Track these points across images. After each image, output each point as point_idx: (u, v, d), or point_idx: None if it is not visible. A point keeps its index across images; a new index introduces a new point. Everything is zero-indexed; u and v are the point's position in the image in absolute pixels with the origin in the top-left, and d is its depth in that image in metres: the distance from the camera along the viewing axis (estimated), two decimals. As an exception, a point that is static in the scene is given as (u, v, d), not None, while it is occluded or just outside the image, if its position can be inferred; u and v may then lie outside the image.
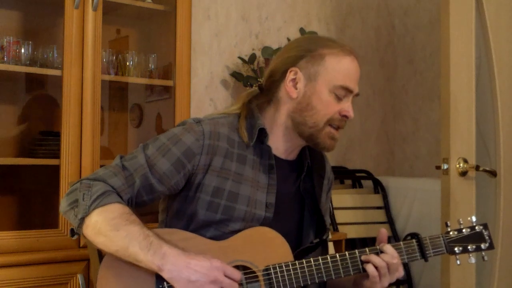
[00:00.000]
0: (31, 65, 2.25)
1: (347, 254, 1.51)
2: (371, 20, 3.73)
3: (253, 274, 1.45)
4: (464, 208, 2.43)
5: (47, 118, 2.48)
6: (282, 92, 1.56)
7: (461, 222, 1.63)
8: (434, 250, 1.58)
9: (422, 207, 3.20)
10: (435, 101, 3.52)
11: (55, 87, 2.28)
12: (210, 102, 3.03)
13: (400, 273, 1.53)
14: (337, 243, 2.94)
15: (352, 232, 3.17)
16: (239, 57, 3.03)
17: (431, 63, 3.58)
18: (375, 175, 3.51)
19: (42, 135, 2.35)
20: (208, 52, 3.04)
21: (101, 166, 2.16)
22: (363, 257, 1.51)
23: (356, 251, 1.52)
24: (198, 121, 1.53)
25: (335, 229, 3.11)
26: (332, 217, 3.13)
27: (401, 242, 1.56)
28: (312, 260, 1.47)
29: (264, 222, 1.52)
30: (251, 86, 2.82)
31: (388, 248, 1.52)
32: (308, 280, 1.46)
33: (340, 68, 1.52)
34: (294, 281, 1.45)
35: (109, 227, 1.36)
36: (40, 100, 2.50)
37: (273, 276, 1.45)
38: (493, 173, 2.55)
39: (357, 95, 1.56)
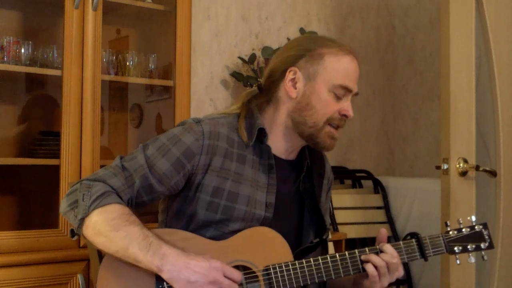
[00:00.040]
0: (31, 65, 2.26)
1: (346, 254, 1.51)
2: (371, 20, 3.73)
3: (253, 274, 1.45)
4: (464, 208, 2.43)
5: (47, 118, 2.48)
6: (282, 92, 1.56)
7: (461, 222, 1.63)
8: (433, 250, 1.58)
9: (422, 207, 3.20)
10: (435, 101, 3.52)
11: (55, 87, 2.28)
12: (210, 102, 3.03)
13: (400, 272, 1.53)
14: (337, 243, 2.94)
15: (352, 232, 3.17)
16: (239, 57, 3.03)
17: (431, 63, 3.58)
18: (375, 175, 3.51)
19: (42, 135, 2.35)
20: (208, 52, 3.04)
21: (101, 166, 2.16)
22: (362, 257, 1.51)
23: (356, 250, 1.52)
24: (197, 121, 1.53)
25: (335, 229, 3.11)
26: (332, 217, 3.13)
27: (401, 242, 1.57)
28: (312, 260, 1.47)
29: (264, 222, 1.52)
30: (251, 86, 2.82)
31: (388, 247, 1.52)
32: (308, 280, 1.46)
33: (339, 68, 1.52)
34: (294, 281, 1.45)
35: (109, 228, 1.36)
36: (40, 100, 2.50)
37: (273, 276, 1.45)
38: (493, 173, 2.55)
39: (356, 94, 1.56)
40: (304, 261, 1.47)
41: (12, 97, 2.45)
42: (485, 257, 1.63)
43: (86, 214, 1.38)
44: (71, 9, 2.18)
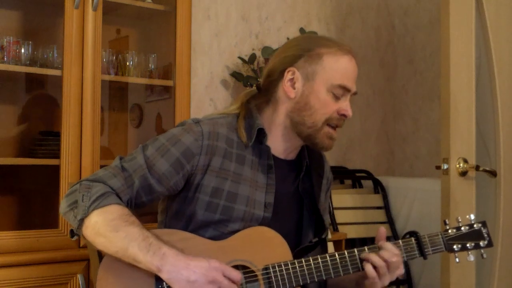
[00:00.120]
0: (31, 65, 2.26)
1: (346, 253, 1.51)
2: (371, 20, 3.73)
3: (252, 274, 1.45)
4: (464, 208, 2.43)
5: (47, 118, 2.48)
6: (280, 92, 1.56)
7: (460, 220, 1.63)
8: (433, 248, 1.58)
9: (422, 207, 3.20)
10: (435, 101, 3.52)
11: (55, 87, 2.28)
12: (210, 102, 3.03)
13: (401, 270, 1.52)
14: (337, 243, 2.94)
15: (352, 232, 3.17)
16: (239, 57, 3.03)
17: (431, 63, 3.58)
18: (375, 175, 3.51)
19: (42, 135, 2.35)
20: (208, 52, 3.04)
21: (101, 166, 2.16)
22: (362, 256, 1.51)
23: (355, 249, 1.52)
24: (197, 122, 1.53)
25: (335, 229, 3.11)
26: (332, 217, 3.13)
27: (400, 241, 1.57)
28: (311, 259, 1.48)
29: (263, 222, 1.52)
30: (251, 86, 2.82)
31: (388, 245, 1.51)
32: (308, 279, 1.47)
33: (338, 67, 1.52)
34: (293, 280, 1.45)
35: (109, 228, 1.36)
36: (40, 100, 2.50)
37: (272, 275, 1.45)
38: (493, 173, 2.55)
39: (355, 94, 1.56)
40: (303, 260, 1.47)
41: (12, 97, 2.45)
42: (484, 255, 1.63)
43: (86, 214, 1.38)
44: (71, 9, 2.19)
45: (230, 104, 1.68)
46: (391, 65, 3.81)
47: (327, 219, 1.68)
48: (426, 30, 3.62)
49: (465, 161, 2.46)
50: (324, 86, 1.52)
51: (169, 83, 2.53)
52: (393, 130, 3.82)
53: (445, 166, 2.44)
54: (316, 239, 1.59)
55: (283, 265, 1.46)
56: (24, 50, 2.24)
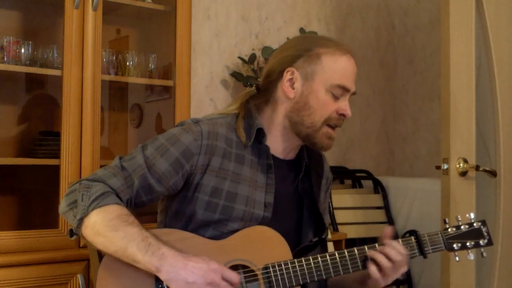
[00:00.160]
0: (31, 65, 2.26)
1: (346, 252, 1.51)
2: (371, 20, 3.73)
3: (252, 273, 1.45)
4: (464, 208, 2.43)
5: (47, 118, 2.48)
6: (280, 92, 1.56)
7: (459, 219, 1.63)
8: (432, 247, 1.58)
9: (422, 207, 3.20)
10: (435, 101, 3.52)
11: (55, 87, 2.28)
12: (210, 102, 3.03)
13: (405, 268, 1.53)
14: (337, 243, 2.94)
15: (352, 232, 3.17)
16: (239, 57, 3.03)
17: (431, 63, 3.58)
18: (375, 175, 3.51)
19: (42, 135, 2.35)
20: (208, 52, 3.04)
21: (101, 166, 2.16)
22: (368, 254, 1.50)
23: (355, 248, 1.52)
24: (196, 122, 1.53)
25: (335, 229, 3.11)
26: (332, 217, 3.13)
27: (400, 240, 1.57)
28: (311, 259, 1.48)
29: (262, 222, 1.52)
30: (251, 86, 2.81)
31: (395, 244, 1.51)
32: (307, 279, 1.47)
33: (336, 67, 1.52)
34: (293, 279, 1.46)
35: (108, 228, 1.36)
36: (40, 100, 2.50)
37: (272, 274, 1.45)
38: (493, 173, 2.55)
39: (354, 93, 1.57)
40: (303, 259, 1.47)
41: (12, 97, 2.45)
42: (484, 254, 1.63)
43: (85, 214, 1.38)
44: (71, 9, 2.19)
45: (229, 104, 1.68)
46: (391, 65, 3.81)
47: (327, 219, 1.68)
48: (426, 30, 3.62)
49: (465, 161, 2.46)
50: (323, 86, 1.52)
51: (169, 83, 2.53)
52: (393, 130, 3.82)
53: (445, 166, 2.44)
54: (316, 238, 1.59)
55: (283, 265, 1.46)
56: (24, 50, 2.24)
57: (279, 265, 1.46)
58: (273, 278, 1.45)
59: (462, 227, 1.62)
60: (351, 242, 3.23)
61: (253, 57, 2.96)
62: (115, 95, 2.65)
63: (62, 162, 2.17)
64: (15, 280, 2.02)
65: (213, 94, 3.04)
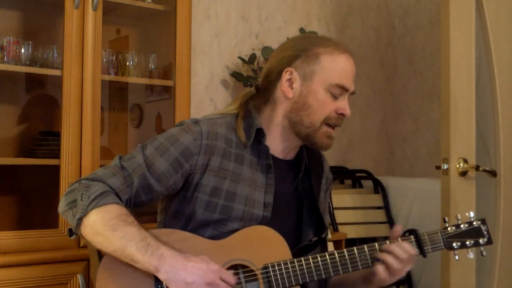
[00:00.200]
0: (31, 65, 2.26)
1: (345, 251, 1.51)
2: (371, 20, 3.73)
3: (252, 273, 1.45)
4: (464, 208, 2.43)
5: (47, 118, 2.48)
6: (279, 92, 1.56)
7: (459, 218, 1.63)
8: (432, 246, 1.57)
9: (422, 207, 3.20)
10: (435, 101, 3.52)
11: (55, 87, 2.28)
12: (210, 102, 3.03)
13: (410, 267, 1.54)
14: (337, 243, 2.94)
15: (352, 232, 3.17)
16: (239, 57, 3.03)
17: (431, 63, 3.58)
18: (375, 175, 3.51)
19: (42, 135, 2.35)
20: (208, 52, 3.04)
21: (101, 166, 2.16)
22: (378, 255, 1.50)
23: (355, 248, 1.52)
24: (196, 121, 1.53)
25: (335, 229, 3.11)
26: (332, 217, 3.13)
27: (399, 239, 1.57)
28: (310, 258, 1.48)
29: (262, 222, 1.52)
30: (251, 86, 2.81)
31: (404, 244, 1.52)
32: (307, 278, 1.47)
33: (335, 67, 1.52)
34: (292, 279, 1.46)
35: (107, 228, 1.36)
36: (40, 100, 2.50)
37: (271, 274, 1.45)
38: (493, 173, 2.55)
39: (353, 93, 1.57)
40: (303, 259, 1.47)
41: (12, 97, 2.45)
42: (484, 253, 1.63)
43: (84, 213, 1.38)
44: (71, 9, 2.19)
45: (228, 104, 1.68)
46: (391, 65, 3.81)
47: (327, 219, 1.68)
48: (426, 30, 3.62)
49: (465, 161, 2.46)
50: (322, 86, 1.52)
51: (169, 83, 2.53)
52: (393, 130, 3.82)
53: (445, 166, 2.44)
54: (316, 238, 1.59)
55: (282, 264, 1.46)
56: (24, 50, 2.24)
57: (279, 265, 1.46)
58: (273, 278, 1.45)
59: (461, 226, 1.61)
60: (351, 242, 3.23)
61: (253, 57, 2.96)
62: (115, 95, 2.65)
63: (62, 162, 2.17)
64: (15, 280, 2.02)
65: (213, 94, 3.04)
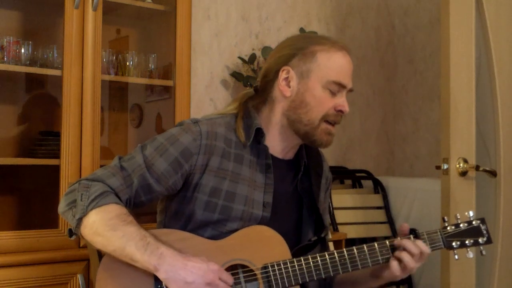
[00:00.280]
0: (31, 65, 2.26)
1: (345, 251, 1.51)
2: (371, 20, 3.73)
3: (252, 273, 1.45)
4: (464, 208, 2.42)
5: (47, 118, 2.48)
6: (276, 92, 1.57)
7: (458, 217, 1.63)
8: (432, 245, 1.57)
9: (422, 207, 3.20)
10: (435, 101, 3.52)
11: (55, 87, 2.28)
12: (210, 102, 3.03)
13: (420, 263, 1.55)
14: (337, 243, 2.94)
15: (352, 232, 3.17)
16: (239, 57, 3.03)
17: (431, 63, 3.58)
18: (375, 175, 3.51)
19: (42, 135, 2.35)
20: (208, 52, 3.04)
21: (101, 166, 2.16)
22: (396, 254, 1.51)
23: (354, 247, 1.52)
24: (195, 122, 1.53)
25: (335, 229, 3.11)
26: (332, 217, 3.13)
27: (399, 238, 1.57)
28: (310, 258, 1.48)
29: (261, 222, 1.52)
30: (251, 86, 2.82)
31: (419, 242, 1.52)
32: (307, 278, 1.47)
33: (331, 64, 1.53)
34: (292, 279, 1.46)
35: (107, 227, 1.36)
36: (40, 100, 2.50)
37: (271, 274, 1.45)
38: (493, 173, 2.55)
39: (350, 90, 1.57)
40: (302, 259, 1.47)
41: (12, 97, 2.45)
42: (484, 252, 1.63)
43: (84, 213, 1.38)
44: (71, 9, 2.19)
45: (227, 104, 1.68)
46: (391, 65, 3.81)
47: (327, 219, 1.68)
48: (426, 30, 3.62)
49: (465, 161, 2.46)
50: (319, 83, 1.52)
51: (169, 83, 2.53)
52: (393, 130, 3.82)
53: (445, 166, 2.44)
54: (315, 237, 1.59)
55: (282, 264, 1.46)
56: (24, 50, 2.24)
57: (278, 265, 1.46)
58: (272, 278, 1.45)
59: (461, 225, 1.61)
60: (351, 242, 3.23)
61: (253, 57, 2.96)
62: (115, 95, 2.65)
63: (62, 162, 2.17)
64: (15, 280, 2.02)
65: (213, 94, 3.04)
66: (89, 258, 1.96)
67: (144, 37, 2.74)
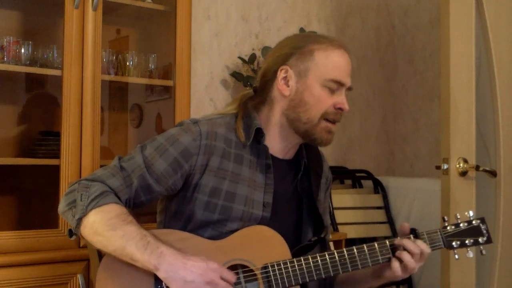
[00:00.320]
0: (31, 65, 2.26)
1: (345, 251, 1.51)
2: (371, 20, 3.73)
3: (252, 273, 1.45)
4: (464, 208, 2.42)
5: (47, 118, 2.48)
6: (275, 91, 1.57)
7: (458, 217, 1.63)
8: (432, 245, 1.57)
9: (422, 207, 3.20)
10: (435, 101, 3.52)
11: (55, 87, 2.28)
12: (210, 102, 3.03)
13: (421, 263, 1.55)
14: (337, 243, 2.94)
15: (352, 232, 3.17)
16: (239, 57, 3.03)
17: (431, 63, 3.58)
18: (375, 175, 3.51)
19: (42, 135, 2.35)
20: (208, 52, 3.04)
21: (101, 166, 2.16)
22: (397, 254, 1.50)
23: (354, 247, 1.52)
24: (195, 122, 1.53)
25: (335, 229, 3.11)
26: (332, 217, 3.13)
27: (399, 238, 1.56)
28: (310, 258, 1.48)
29: (261, 222, 1.52)
30: (251, 86, 2.82)
31: (419, 242, 1.52)
32: (307, 278, 1.47)
33: (329, 62, 1.53)
34: (292, 279, 1.46)
35: (106, 227, 1.36)
36: (40, 100, 2.50)
37: (271, 274, 1.45)
38: (493, 173, 2.55)
39: (350, 88, 1.57)
40: (302, 259, 1.47)
41: (12, 97, 2.45)
42: (484, 252, 1.63)
43: (84, 214, 1.38)
44: (71, 9, 2.19)
45: (227, 104, 1.68)
46: (391, 65, 3.81)
47: (327, 219, 1.68)
48: (426, 30, 3.62)
49: (465, 161, 2.46)
50: (318, 82, 1.52)
51: (169, 83, 2.53)
52: (393, 130, 3.82)
53: (445, 166, 2.44)
54: (315, 237, 1.59)
55: (282, 264, 1.46)
56: (24, 50, 2.24)
57: (278, 265, 1.46)
58: (272, 278, 1.45)
59: (461, 225, 1.61)
60: (351, 242, 3.23)
61: (253, 57, 2.96)
62: (115, 95, 2.65)
63: (62, 162, 2.17)
64: (15, 280, 2.02)
65: (213, 94, 3.04)
66: (89, 258, 1.96)
67: (144, 37, 2.74)
